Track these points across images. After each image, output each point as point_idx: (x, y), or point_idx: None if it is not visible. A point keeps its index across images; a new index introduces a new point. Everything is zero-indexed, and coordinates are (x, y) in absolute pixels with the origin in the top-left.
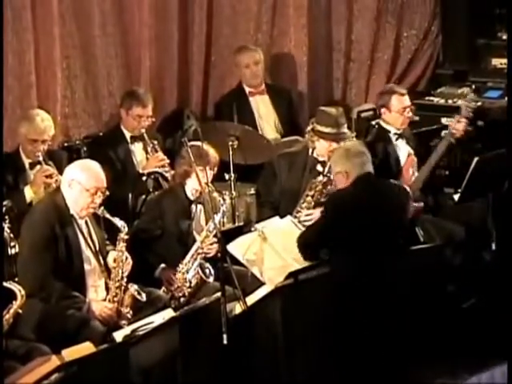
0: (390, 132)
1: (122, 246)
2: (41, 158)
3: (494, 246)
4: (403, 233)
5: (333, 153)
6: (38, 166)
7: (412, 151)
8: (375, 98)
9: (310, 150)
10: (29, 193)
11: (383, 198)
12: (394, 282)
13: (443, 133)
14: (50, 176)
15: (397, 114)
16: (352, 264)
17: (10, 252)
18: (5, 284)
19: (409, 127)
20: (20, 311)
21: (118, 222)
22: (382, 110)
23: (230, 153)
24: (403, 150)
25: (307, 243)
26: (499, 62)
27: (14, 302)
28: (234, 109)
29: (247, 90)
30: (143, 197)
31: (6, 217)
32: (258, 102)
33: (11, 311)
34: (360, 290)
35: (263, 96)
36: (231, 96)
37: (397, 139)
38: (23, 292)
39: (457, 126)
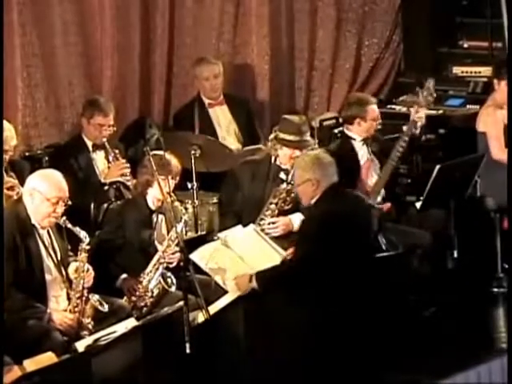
0: (355, 140)
1: (83, 256)
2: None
3: (456, 254)
4: (370, 241)
5: (295, 160)
6: None
7: (371, 155)
8: (339, 106)
9: (273, 158)
10: None
11: (353, 209)
12: (361, 289)
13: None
14: (11, 188)
15: (373, 122)
16: (325, 274)
17: None
18: None
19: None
20: None
21: (80, 232)
22: (356, 120)
23: (193, 161)
24: (364, 156)
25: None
26: (460, 71)
27: None
28: (193, 120)
29: (206, 101)
30: (105, 206)
31: None
32: (218, 113)
33: None
34: (327, 298)
35: (222, 107)
36: (190, 107)
37: (362, 144)
38: None
39: (418, 114)
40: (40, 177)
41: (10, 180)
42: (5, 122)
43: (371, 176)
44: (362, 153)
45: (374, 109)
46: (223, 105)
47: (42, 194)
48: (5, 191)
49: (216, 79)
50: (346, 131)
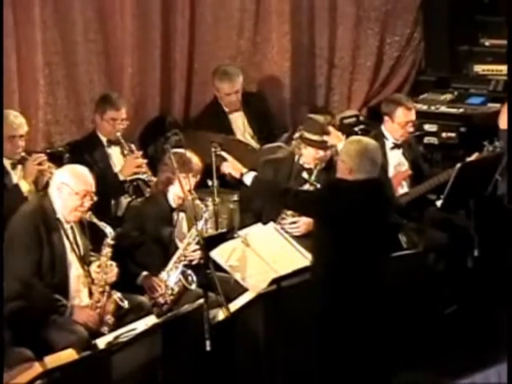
0: (387, 139)
1: (107, 251)
2: (23, 154)
3: (476, 253)
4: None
5: (319, 160)
6: (20, 166)
7: (407, 163)
8: (360, 104)
9: (296, 157)
10: (25, 186)
11: (377, 207)
12: (379, 287)
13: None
14: (41, 163)
15: (398, 126)
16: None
17: None
18: None
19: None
20: None
21: (106, 227)
22: (385, 118)
23: (213, 159)
24: (395, 160)
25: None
26: (481, 69)
27: None
28: (214, 125)
29: (225, 108)
30: (124, 202)
31: None
32: (237, 118)
33: None
34: (343, 295)
35: (239, 113)
36: (210, 112)
37: (392, 148)
38: None
39: (471, 158)
40: (68, 171)
41: (39, 155)
42: (12, 110)
43: (401, 187)
44: (394, 157)
45: (405, 113)
46: (239, 111)
47: (70, 188)
48: (36, 167)
49: (236, 94)
50: (382, 128)
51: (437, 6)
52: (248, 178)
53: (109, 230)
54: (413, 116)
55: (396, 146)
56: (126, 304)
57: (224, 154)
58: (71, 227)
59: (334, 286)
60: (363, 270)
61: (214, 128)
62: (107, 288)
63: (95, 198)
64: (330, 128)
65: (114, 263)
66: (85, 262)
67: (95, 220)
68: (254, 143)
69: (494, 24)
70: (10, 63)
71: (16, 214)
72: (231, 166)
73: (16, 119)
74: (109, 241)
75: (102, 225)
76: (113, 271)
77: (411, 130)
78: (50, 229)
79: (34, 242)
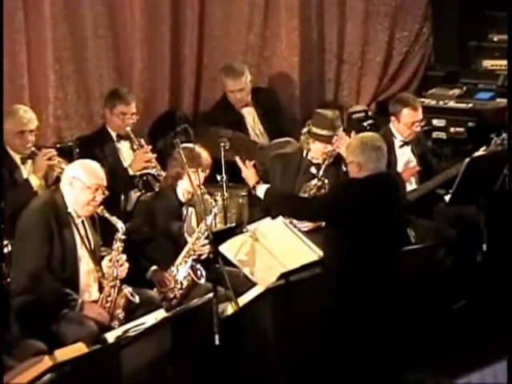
0: (395, 138)
1: (118, 245)
2: (33, 149)
3: (485, 247)
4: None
5: (327, 155)
6: (30, 161)
7: (415, 160)
8: (369, 99)
9: (305, 152)
10: (34, 181)
11: (388, 201)
12: (386, 283)
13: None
14: (51, 158)
15: (404, 126)
16: (346, 260)
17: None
18: None
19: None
20: None
21: (117, 222)
22: (392, 117)
23: (222, 154)
24: (404, 157)
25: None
26: (490, 64)
27: None
28: (225, 121)
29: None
30: (133, 197)
31: None
32: (247, 113)
33: None
34: (352, 290)
35: (250, 108)
36: (220, 107)
37: (401, 146)
38: None
39: (479, 153)
40: (79, 166)
41: (49, 150)
42: (23, 106)
43: (410, 183)
44: (404, 154)
45: (410, 114)
46: (249, 107)
47: (82, 182)
48: (46, 162)
49: (241, 92)
50: (391, 126)
51: (446, 1)
52: (260, 191)
53: (120, 225)
54: (419, 116)
55: (405, 144)
56: (136, 299)
57: (238, 161)
58: (82, 222)
59: (345, 281)
60: (374, 264)
61: (224, 123)
62: (117, 283)
63: (107, 193)
64: (342, 134)
65: (124, 257)
66: (95, 256)
67: (107, 215)
68: (262, 140)
69: (503, 19)
70: (21, 58)
71: (27, 208)
72: (245, 175)
73: (26, 114)
74: (120, 235)
75: (114, 219)
76: (123, 265)
77: (418, 129)
78: (60, 223)
79: (44, 236)
